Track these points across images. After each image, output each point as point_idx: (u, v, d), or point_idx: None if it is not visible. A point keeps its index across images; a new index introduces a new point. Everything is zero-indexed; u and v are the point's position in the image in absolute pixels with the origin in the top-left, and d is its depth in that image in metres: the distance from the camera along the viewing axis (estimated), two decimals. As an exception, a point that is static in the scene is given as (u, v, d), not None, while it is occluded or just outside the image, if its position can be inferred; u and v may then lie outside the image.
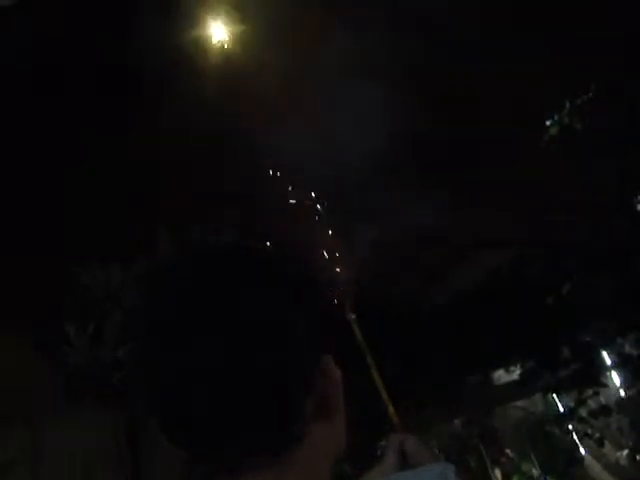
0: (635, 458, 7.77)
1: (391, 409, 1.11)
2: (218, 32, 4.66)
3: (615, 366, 6.62)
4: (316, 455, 0.63)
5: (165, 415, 0.62)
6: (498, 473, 8.59)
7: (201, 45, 4.63)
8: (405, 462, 1.00)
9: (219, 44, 4.67)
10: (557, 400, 7.86)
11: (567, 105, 5.60)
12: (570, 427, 7.39)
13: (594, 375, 6.46)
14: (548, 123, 5.68)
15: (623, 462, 8.14)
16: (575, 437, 7.97)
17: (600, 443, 6.99)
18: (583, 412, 6.64)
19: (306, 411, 0.62)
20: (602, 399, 6.88)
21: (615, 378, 7.26)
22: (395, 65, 4.87)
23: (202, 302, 0.61)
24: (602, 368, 6.64)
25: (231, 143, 5.00)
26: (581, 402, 6.54)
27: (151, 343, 0.62)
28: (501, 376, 7.89)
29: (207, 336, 0.59)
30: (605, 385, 6.73)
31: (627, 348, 6.42)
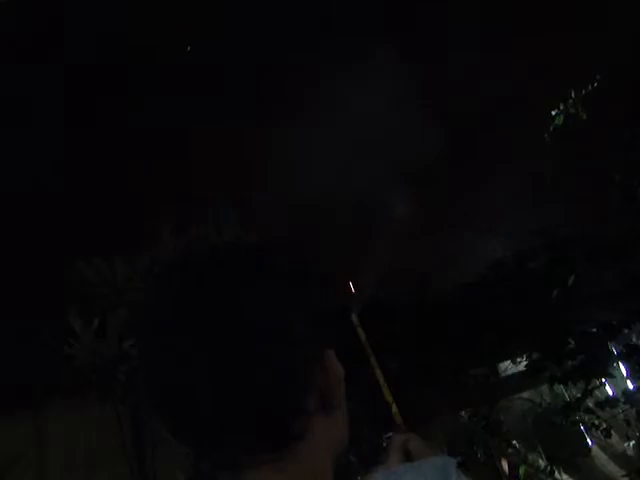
0: (642, 449, 7.76)
1: (394, 408, 1.10)
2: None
3: (621, 357, 6.60)
4: (317, 450, 0.64)
5: (166, 413, 0.62)
6: (505, 464, 8.60)
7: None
8: (409, 461, 1.00)
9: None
10: (564, 391, 7.85)
11: (572, 95, 5.56)
12: (577, 418, 7.38)
13: (600, 366, 6.45)
14: (554, 113, 5.65)
15: (630, 453, 8.14)
16: (582, 428, 7.96)
17: (607, 434, 6.99)
18: (590, 403, 6.64)
19: (307, 407, 0.62)
20: (609, 390, 6.87)
21: (622, 369, 7.25)
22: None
23: (202, 301, 0.61)
24: (608, 359, 6.62)
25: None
26: (588, 393, 6.54)
27: (153, 342, 0.62)
28: (507, 367, 7.89)
29: (208, 335, 0.58)
30: (612, 376, 6.72)
31: (634, 339, 6.42)
